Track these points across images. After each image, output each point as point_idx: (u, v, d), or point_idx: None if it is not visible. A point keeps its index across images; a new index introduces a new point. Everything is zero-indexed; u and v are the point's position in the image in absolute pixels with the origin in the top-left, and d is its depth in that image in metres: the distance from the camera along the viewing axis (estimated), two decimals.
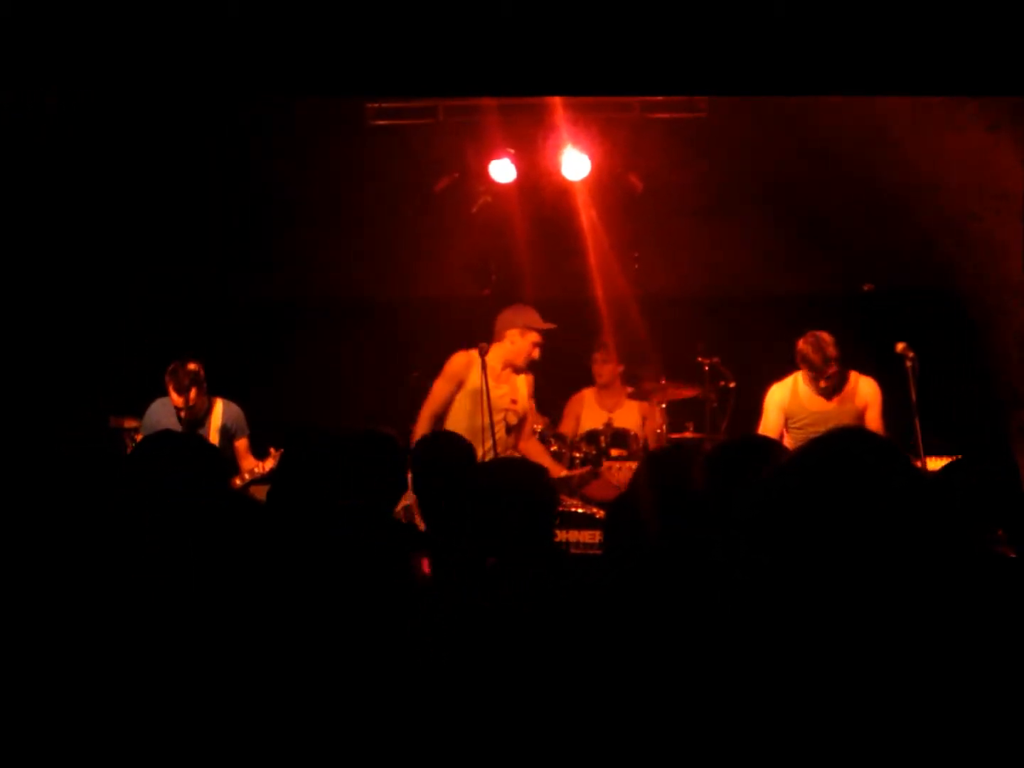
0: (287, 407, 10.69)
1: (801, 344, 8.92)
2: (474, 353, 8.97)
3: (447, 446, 6.05)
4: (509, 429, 9.29)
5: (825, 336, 8.88)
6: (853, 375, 9.04)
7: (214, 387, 9.55)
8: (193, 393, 9.14)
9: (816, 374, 8.88)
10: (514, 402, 9.26)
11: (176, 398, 9.18)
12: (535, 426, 9.71)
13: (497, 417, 8.93)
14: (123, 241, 11.12)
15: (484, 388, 8.82)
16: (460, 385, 9.11)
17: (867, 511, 2.54)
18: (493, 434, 8.74)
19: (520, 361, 9.23)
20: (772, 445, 4.57)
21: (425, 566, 4.62)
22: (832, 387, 8.94)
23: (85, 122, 9.67)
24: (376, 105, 10.29)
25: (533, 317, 9.25)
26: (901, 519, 2.55)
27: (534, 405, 9.56)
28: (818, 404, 8.98)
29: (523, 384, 9.36)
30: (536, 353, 9.22)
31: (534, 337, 9.20)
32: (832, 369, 8.84)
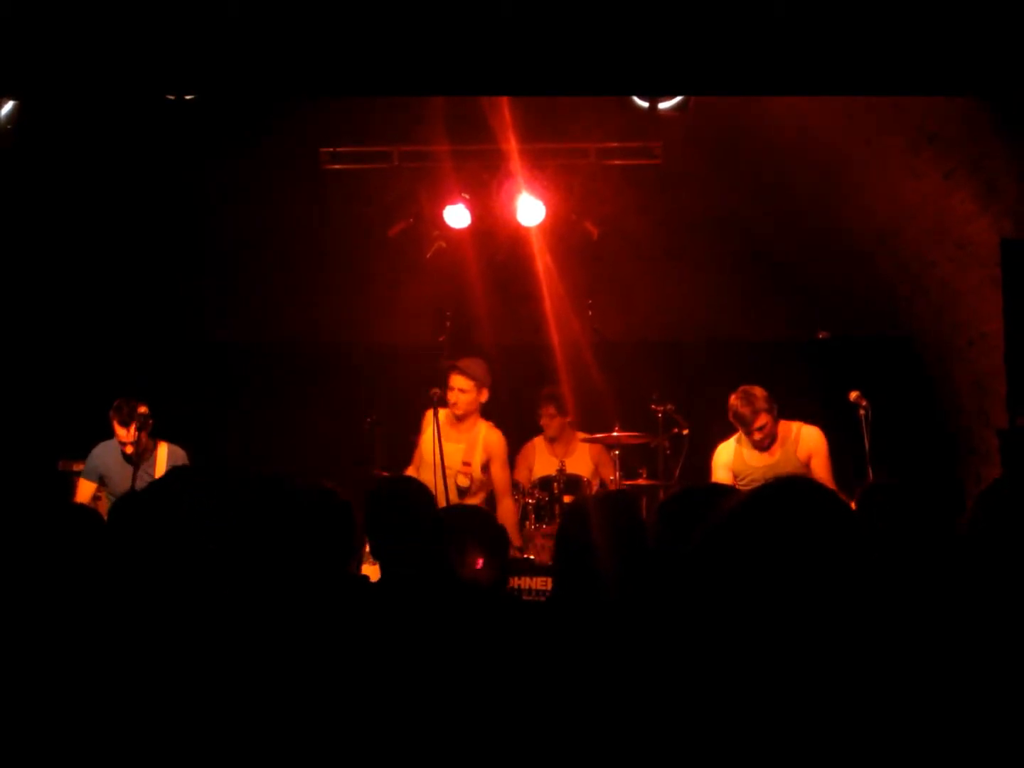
0: (239, 451, 10.63)
1: (732, 399, 8.88)
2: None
3: (404, 489, 6.00)
4: (461, 491, 9.19)
5: (755, 390, 8.81)
6: (795, 425, 8.98)
7: (165, 430, 9.47)
8: (134, 427, 9.04)
9: (746, 428, 8.84)
10: (466, 464, 9.19)
11: (120, 431, 9.12)
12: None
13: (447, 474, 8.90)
14: (73, 283, 11.06)
15: (435, 435, 8.83)
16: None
17: (801, 560, 2.53)
18: (447, 491, 8.72)
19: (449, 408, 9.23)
20: (722, 492, 4.53)
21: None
22: (765, 439, 8.86)
23: (41, 160, 9.62)
24: (331, 150, 10.28)
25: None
26: (835, 567, 2.54)
27: (497, 467, 9.42)
28: (761, 459, 8.93)
29: (483, 447, 9.28)
30: (450, 396, 9.20)
31: (447, 381, 9.23)
32: (760, 421, 8.77)
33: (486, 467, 9.28)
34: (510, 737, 3.26)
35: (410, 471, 9.19)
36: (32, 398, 10.73)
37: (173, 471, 4.60)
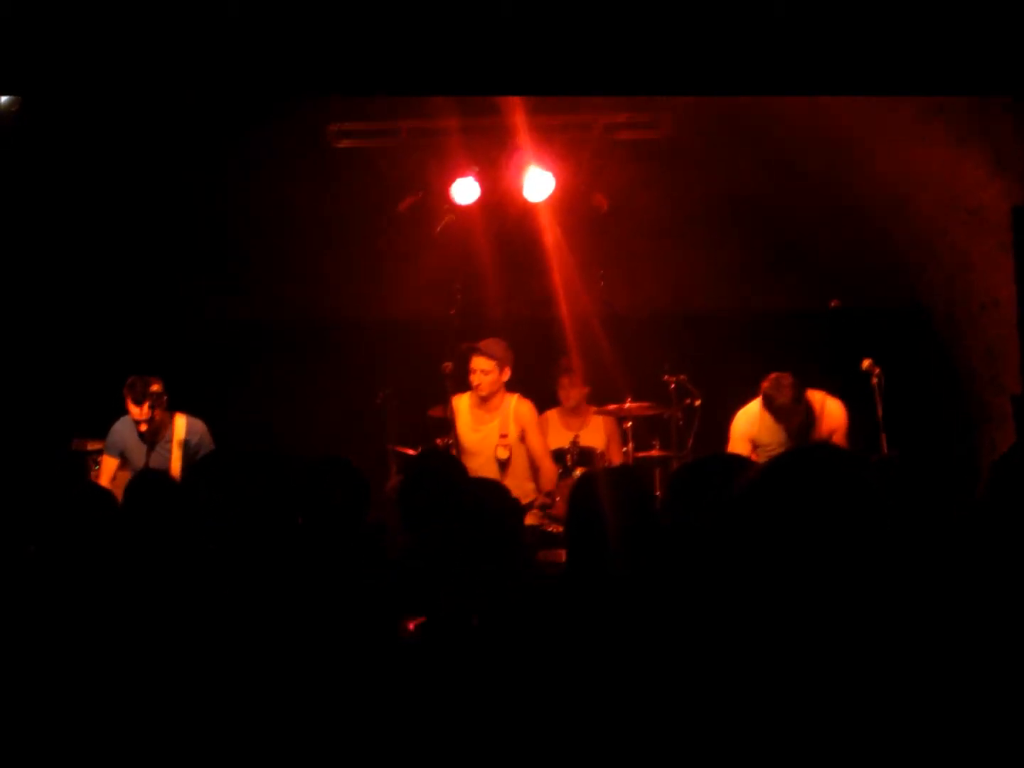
0: (251, 428, 10.62)
1: (764, 386, 8.79)
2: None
3: (435, 462, 6.09)
4: (502, 464, 9.22)
5: (784, 379, 8.73)
6: (819, 396, 8.93)
7: (179, 408, 9.50)
8: (147, 405, 9.08)
9: (784, 421, 8.75)
10: (503, 436, 9.22)
11: (133, 409, 9.18)
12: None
13: (483, 457, 9.19)
14: (88, 262, 11.06)
15: (448, 411, 8.93)
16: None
17: (829, 526, 2.51)
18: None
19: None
20: (736, 463, 4.52)
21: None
22: (799, 428, 8.78)
23: (50, 141, 9.63)
24: (339, 127, 10.27)
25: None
26: (856, 536, 2.52)
27: (532, 435, 9.43)
28: (782, 434, 8.86)
29: (515, 418, 9.30)
30: (472, 378, 9.23)
31: (468, 363, 9.24)
32: (798, 420, 8.71)
33: (522, 437, 9.29)
34: (516, 712, 3.26)
35: None
36: (46, 376, 10.74)
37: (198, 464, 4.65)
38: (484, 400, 9.24)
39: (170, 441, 9.27)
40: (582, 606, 3.86)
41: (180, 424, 9.41)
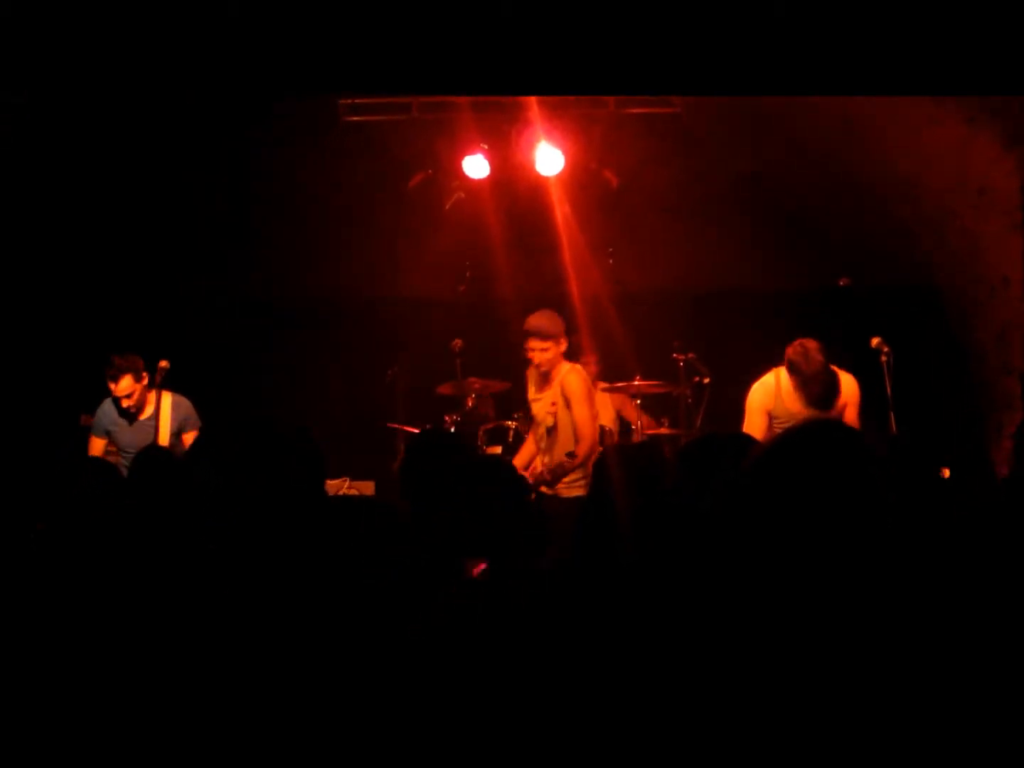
0: (261, 405, 10.65)
1: (790, 352, 8.72)
2: None
3: (436, 439, 6.09)
4: (549, 430, 9.24)
5: (811, 344, 8.68)
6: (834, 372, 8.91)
7: (187, 386, 9.53)
8: (126, 381, 9.16)
9: (809, 388, 8.69)
10: (553, 404, 9.23)
11: (111, 386, 9.22)
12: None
13: (541, 426, 9.19)
14: (99, 238, 11.07)
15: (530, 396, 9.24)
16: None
17: (835, 505, 2.51)
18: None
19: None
20: (743, 441, 4.53)
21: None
22: (824, 396, 8.72)
23: (60, 123, 9.64)
24: (349, 101, 10.27)
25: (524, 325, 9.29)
26: (865, 514, 2.52)
27: (576, 407, 9.43)
28: (799, 405, 8.82)
29: (563, 388, 9.30)
30: (532, 358, 9.18)
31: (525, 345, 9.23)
32: (824, 388, 8.65)
33: (568, 406, 9.28)
34: (517, 699, 3.27)
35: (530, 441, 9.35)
36: (54, 354, 10.76)
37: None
38: (546, 375, 9.22)
39: (155, 418, 9.28)
40: (590, 587, 3.87)
41: (166, 402, 9.42)
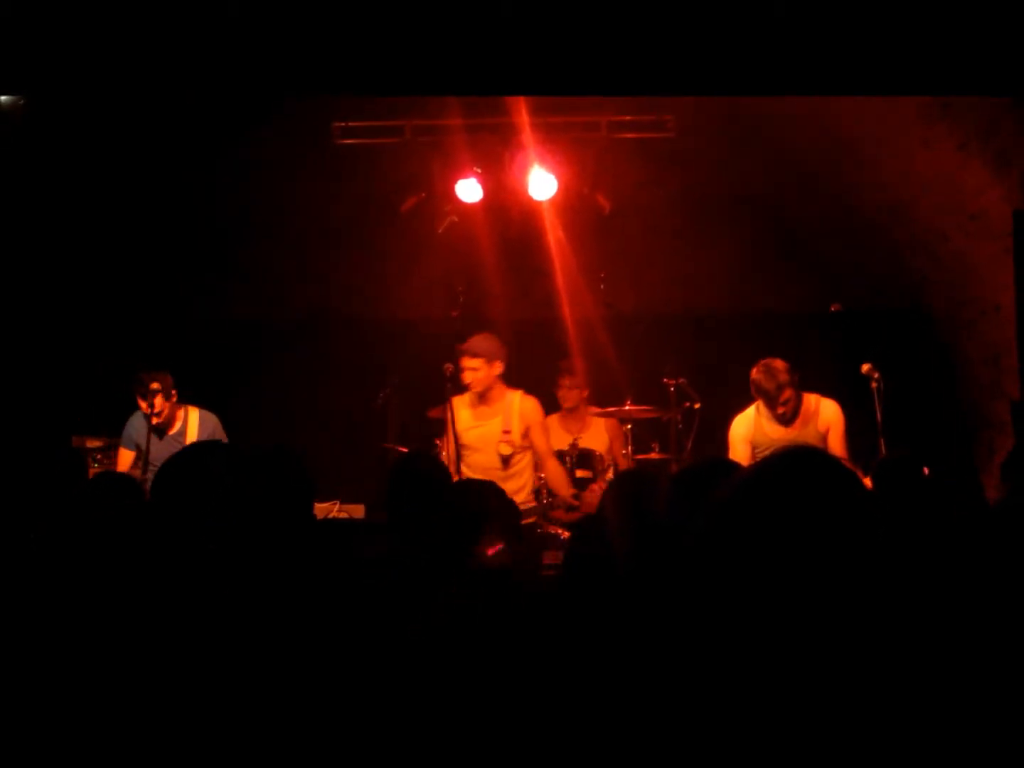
0: (253, 426, 10.64)
1: (753, 373, 8.80)
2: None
3: (421, 465, 6.05)
4: (504, 460, 9.22)
5: (777, 363, 8.74)
6: (814, 398, 8.91)
7: (196, 404, 9.60)
8: (158, 400, 9.27)
9: (770, 402, 8.78)
10: (506, 432, 9.22)
11: (141, 404, 9.34)
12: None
13: (484, 453, 9.17)
14: (89, 259, 11.07)
15: (449, 423, 9.00)
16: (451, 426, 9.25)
17: (810, 534, 2.52)
18: (458, 467, 8.92)
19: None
20: (735, 467, 4.53)
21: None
22: (789, 413, 8.82)
23: (52, 138, 9.63)
24: (342, 124, 10.27)
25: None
26: (847, 540, 2.53)
27: (537, 432, 9.40)
28: (780, 431, 8.85)
29: (520, 415, 9.28)
30: (463, 377, 9.20)
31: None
32: (786, 395, 8.73)
33: (526, 434, 9.28)
34: (508, 714, 3.27)
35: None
36: (46, 374, 10.76)
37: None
38: (481, 396, 9.22)
39: (182, 434, 9.42)
40: (581, 610, 3.87)
41: (193, 417, 9.59)
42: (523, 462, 9.32)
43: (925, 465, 5.69)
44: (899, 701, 2.48)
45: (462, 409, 9.18)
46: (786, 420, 8.81)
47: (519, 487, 9.11)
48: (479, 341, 9.21)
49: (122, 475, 6.51)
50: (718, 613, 2.55)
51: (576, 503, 9.09)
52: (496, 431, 9.19)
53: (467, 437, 9.10)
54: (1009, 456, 5.99)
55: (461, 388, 9.26)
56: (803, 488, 2.57)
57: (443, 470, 6.06)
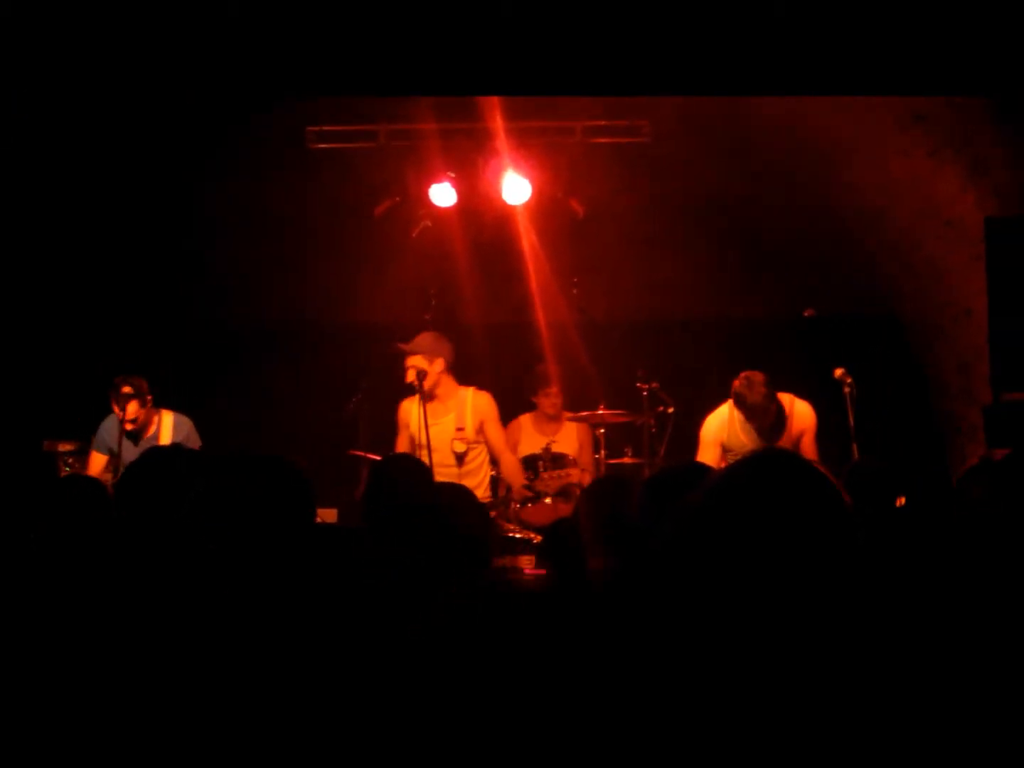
0: (224, 431, 10.61)
1: (735, 385, 8.73)
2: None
3: (399, 468, 6.04)
4: (459, 458, 9.22)
5: (757, 378, 8.68)
6: (788, 398, 8.89)
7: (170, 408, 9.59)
8: (132, 405, 9.23)
9: (753, 417, 8.69)
10: (459, 430, 9.22)
11: (117, 409, 9.31)
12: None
13: (439, 452, 9.11)
14: (63, 264, 11.02)
15: (421, 419, 8.98)
16: (405, 428, 9.20)
17: (785, 535, 2.52)
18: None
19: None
20: (707, 472, 4.54)
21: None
22: (767, 427, 8.74)
23: (31, 142, 9.59)
24: (316, 129, 10.26)
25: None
26: (821, 543, 2.53)
27: (491, 427, 9.39)
28: (752, 436, 8.83)
29: (473, 411, 9.29)
30: (407, 376, 9.21)
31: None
32: (770, 420, 8.66)
33: (480, 430, 9.29)
34: (483, 717, 3.26)
35: None
36: (17, 379, 10.70)
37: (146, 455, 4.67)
38: (428, 396, 9.21)
39: (156, 438, 9.40)
40: (558, 616, 3.86)
41: (167, 421, 9.58)
42: (478, 459, 9.33)
43: (897, 472, 5.69)
44: (871, 699, 2.48)
45: (415, 409, 9.16)
46: (768, 436, 8.72)
47: (475, 484, 9.14)
48: (419, 339, 9.24)
49: (88, 478, 6.46)
50: (690, 615, 2.55)
51: (528, 493, 9.10)
52: (450, 429, 9.21)
53: (421, 436, 9.08)
54: (980, 462, 6.00)
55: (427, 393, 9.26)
56: (776, 492, 2.57)
57: (424, 472, 6.05)
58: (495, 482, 9.56)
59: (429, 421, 9.07)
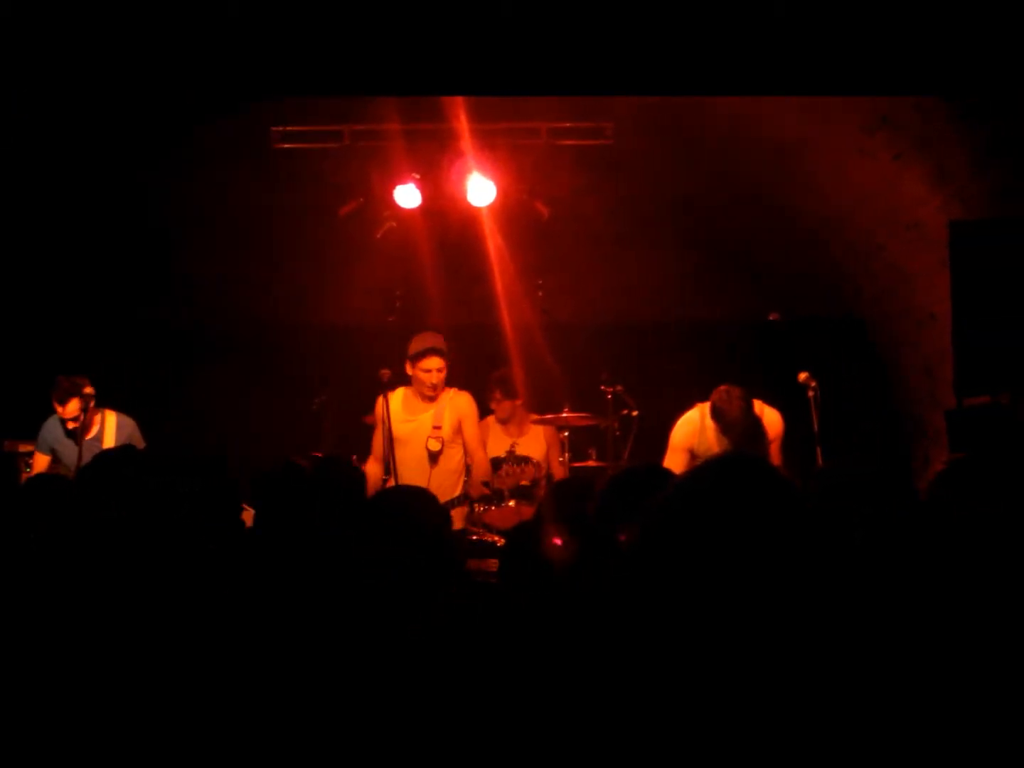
0: (188, 433, 10.58)
1: (714, 398, 8.64)
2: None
3: (334, 473, 5.99)
4: (433, 456, 9.18)
5: (735, 391, 8.63)
6: (758, 406, 8.88)
7: (114, 409, 9.50)
8: (73, 404, 9.20)
9: (729, 430, 8.64)
10: (436, 428, 9.18)
11: (58, 409, 9.28)
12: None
13: (414, 447, 9.11)
14: (21, 262, 10.96)
15: (379, 419, 8.99)
16: (381, 423, 9.14)
17: (746, 538, 2.52)
18: (393, 465, 8.84)
19: (421, 389, 9.15)
20: (665, 474, 4.54)
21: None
22: (747, 441, 8.69)
23: None
24: (281, 129, 10.22)
25: (416, 346, 9.15)
26: (779, 547, 2.53)
27: (468, 426, 9.35)
28: (723, 444, 8.79)
29: (451, 409, 9.24)
30: (429, 378, 9.10)
31: (419, 364, 9.11)
32: (747, 434, 8.61)
33: (458, 428, 9.24)
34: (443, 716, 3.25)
35: (371, 463, 9.22)
36: None
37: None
38: (432, 397, 9.18)
39: (99, 439, 9.31)
40: (516, 619, 3.85)
41: (110, 422, 9.50)
42: (454, 459, 9.29)
43: (862, 476, 5.68)
44: (832, 695, 2.47)
45: (395, 404, 9.12)
46: (738, 445, 8.66)
47: (449, 483, 9.13)
48: (442, 340, 9.18)
49: (53, 477, 6.43)
50: (653, 614, 2.54)
51: (486, 490, 9.07)
52: (427, 426, 9.17)
53: (399, 431, 9.05)
54: (946, 468, 6.00)
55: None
56: (738, 495, 2.57)
57: (359, 478, 6.02)
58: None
59: (406, 417, 9.12)
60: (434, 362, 9.09)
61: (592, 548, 4.12)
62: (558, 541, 4.35)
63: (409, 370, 9.14)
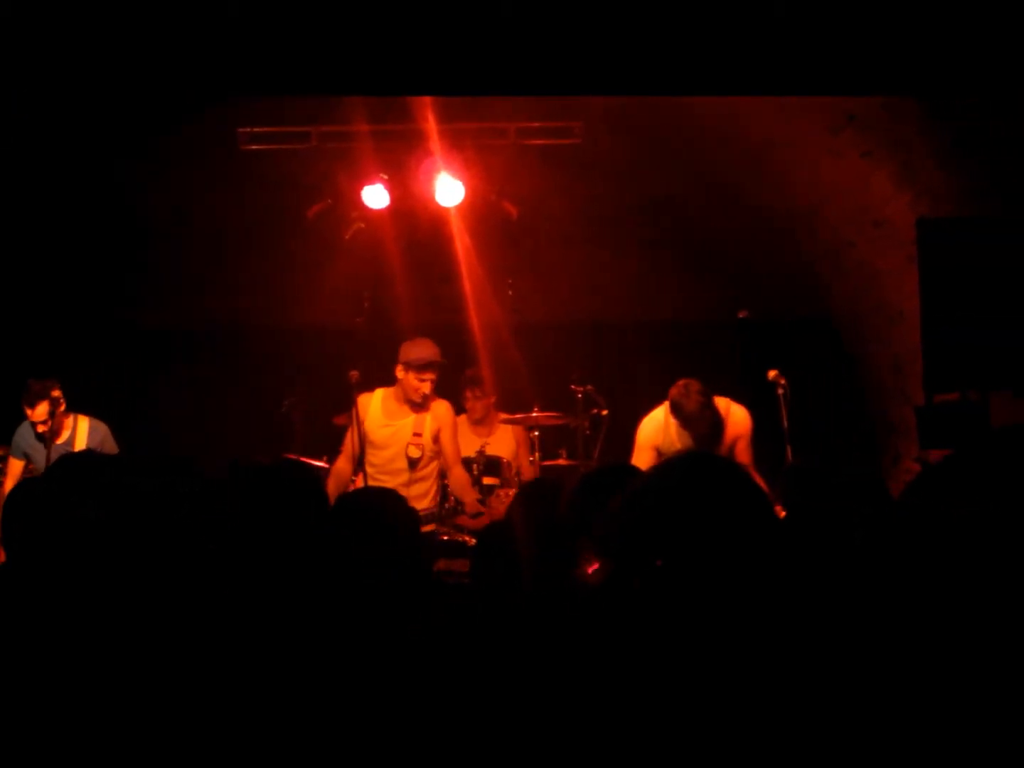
0: (158, 435, 10.53)
1: (672, 393, 8.65)
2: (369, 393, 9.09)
3: (287, 476, 5.94)
4: (412, 463, 9.12)
5: (693, 385, 8.62)
6: (724, 402, 8.85)
7: (85, 412, 9.44)
8: (42, 408, 9.13)
9: (691, 426, 8.62)
10: (417, 435, 9.12)
11: (28, 412, 9.23)
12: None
13: (392, 451, 9.01)
14: None
15: (355, 418, 8.89)
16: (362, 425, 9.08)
17: (708, 534, 2.52)
18: (363, 467, 8.84)
19: (411, 396, 9.07)
20: (635, 472, 4.52)
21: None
22: (707, 436, 8.67)
23: None
24: (248, 130, 10.20)
25: (417, 353, 9.07)
26: (744, 542, 2.53)
27: (447, 436, 9.29)
28: (687, 441, 8.77)
29: (432, 417, 9.18)
30: (424, 388, 9.03)
31: (417, 374, 9.04)
32: (706, 428, 8.59)
33: (437, 437, 9.20)
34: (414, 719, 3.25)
35: (342, 460, 9.16)
36: None
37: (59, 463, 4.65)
38: (422, 406, 9.14)
39: (71, 443, 9.25)
40: (490, 620, 3.85)
41: (82, 426, 9.43)
42: (430, 468, 9.25)
43: (831, 473, 5.68)
44: (797, 692, 2.48)
45: (374, 406, 9.08)
46: (699, 439, 8.66)
47: (423, 491, 9.07)
48: (440, 353, 9.12)
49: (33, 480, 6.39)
50: (620, 612, 2.55)
51: (483, 509, 9.01)
52: (407, 432, 9.11)
53: (377, 435, 9.00)
54: (920, 475, 6.01)
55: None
56: (699, 493, 2.57)
57: (315, 479, 5.98)
58: (445, 492, 9.42)
59: (385, 421, 9.05)
60: (433, 374, 9.06)
61: (561, 550, 4.12)
62: (593, 568, 4.34)
63: (401, 374, 9.03)
